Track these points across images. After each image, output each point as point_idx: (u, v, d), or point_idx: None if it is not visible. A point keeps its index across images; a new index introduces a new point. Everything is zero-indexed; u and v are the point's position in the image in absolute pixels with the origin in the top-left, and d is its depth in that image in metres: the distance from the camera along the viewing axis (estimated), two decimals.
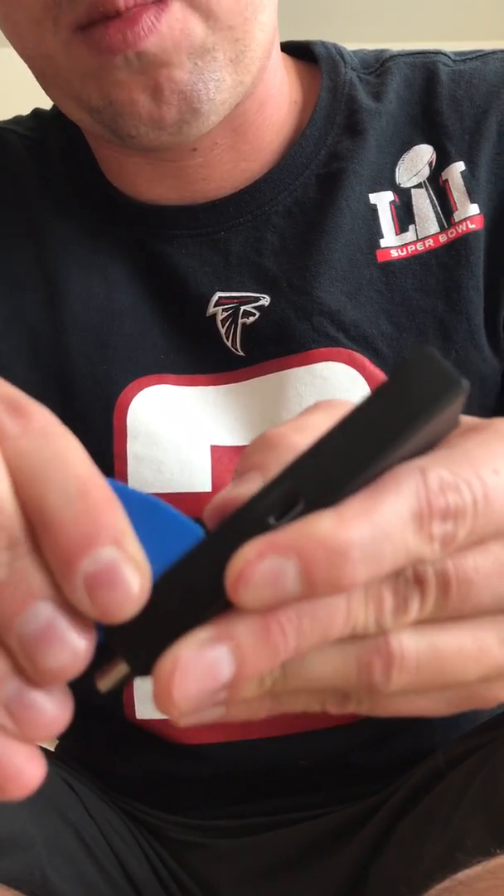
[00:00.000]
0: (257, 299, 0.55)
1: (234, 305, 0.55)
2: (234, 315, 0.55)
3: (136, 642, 0.21)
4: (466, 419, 0.26)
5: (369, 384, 0.54)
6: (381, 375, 0.54)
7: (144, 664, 0.21)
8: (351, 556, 0.20)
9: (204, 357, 0.56)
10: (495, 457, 0.23)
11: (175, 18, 0.45)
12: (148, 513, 0.23)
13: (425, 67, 0.58)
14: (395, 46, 0.63)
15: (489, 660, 0.24)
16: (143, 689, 0.57)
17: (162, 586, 0.21)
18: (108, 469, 0.55)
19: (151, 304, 0.57)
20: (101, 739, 0.61)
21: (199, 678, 0.20)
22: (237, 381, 0.56)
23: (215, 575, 0.21)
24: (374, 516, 0.21)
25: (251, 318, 0.55)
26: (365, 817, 0.57)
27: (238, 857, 0.58)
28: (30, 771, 0.21)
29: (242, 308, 0.55)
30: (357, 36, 2.14)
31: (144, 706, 0.57)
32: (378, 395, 0.22)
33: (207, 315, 0.56)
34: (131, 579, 0.20)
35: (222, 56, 0.47)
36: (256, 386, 0.55)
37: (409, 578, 0.22)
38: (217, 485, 0.54)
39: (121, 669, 0.22)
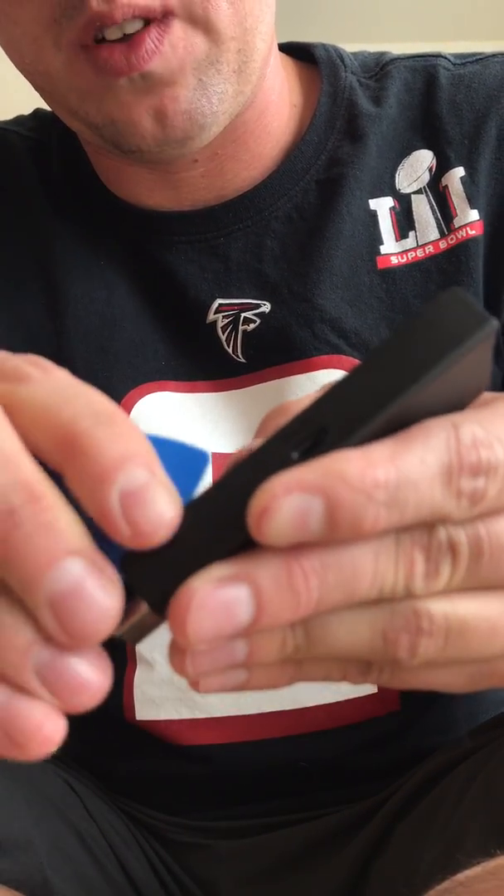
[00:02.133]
0: (258, 306, 0.55)
1: (235, 312, 0.55)
2: (234, 322, 0.55)
3: (154, 576, 0.21)
4: (494, 394, 0.25)
5: None
6: None
7: (162, 600, 0.21)
8: (375, 498, 0.20)
9: (205, 364, 0.56)
10: None
11: (177, 37, 0.45)
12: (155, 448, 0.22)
13: (425, 71, 0.58)
14: (395, 47, 0.63)
15: None
16: (143, 690, 0.57)
17: (182, 520, 0.21)
18: None
19: (152, 310, 0.57)
20: (102, 741, 0.61)
21: (215, 615, 0.20)
22: (238, 388, 0.56)
23: (238, 509, 0.20)
24: (401, 462, 0.20)
25: (252, 325, 0.55)
26: (365, 818, 0.57)
27: (238, 858, 0.58)
28: (49, 727, 0.20)
29: (243, 315, 0.55)
30: (357, 36, 2.14)
31: (144, 707, 0.57)
32: (406, 332, 0.21)
33: (208, 322, 0.56)
34: (163, 499, 0.20)
35: (226, 68, 0.48)
36: (257, 393, 0.55)
37: (441, 542, 0.22)
38: None
39: (139, 609, 0.22)
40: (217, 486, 0.21)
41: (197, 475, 0.22)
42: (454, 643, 0.22)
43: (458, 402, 0.23)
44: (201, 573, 0.20)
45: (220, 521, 0.21)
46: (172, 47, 0.45)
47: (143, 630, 0.22)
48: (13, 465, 0.20)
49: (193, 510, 0.21)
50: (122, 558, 0.21)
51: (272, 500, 0.20)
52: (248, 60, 0.49)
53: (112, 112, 0.47)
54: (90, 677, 0.20)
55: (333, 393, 0.21)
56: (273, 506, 0.20)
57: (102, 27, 0.44)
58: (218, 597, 0.20)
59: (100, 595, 0.20)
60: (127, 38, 0.45)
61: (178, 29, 0.45)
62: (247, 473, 0.21)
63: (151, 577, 0.21)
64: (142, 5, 0.44)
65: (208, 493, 0.21)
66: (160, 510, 0.20)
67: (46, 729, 0.20)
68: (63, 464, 0.21)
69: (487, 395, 0.25)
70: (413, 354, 0.21)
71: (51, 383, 0.22)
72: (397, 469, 0.20)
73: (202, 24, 0.46)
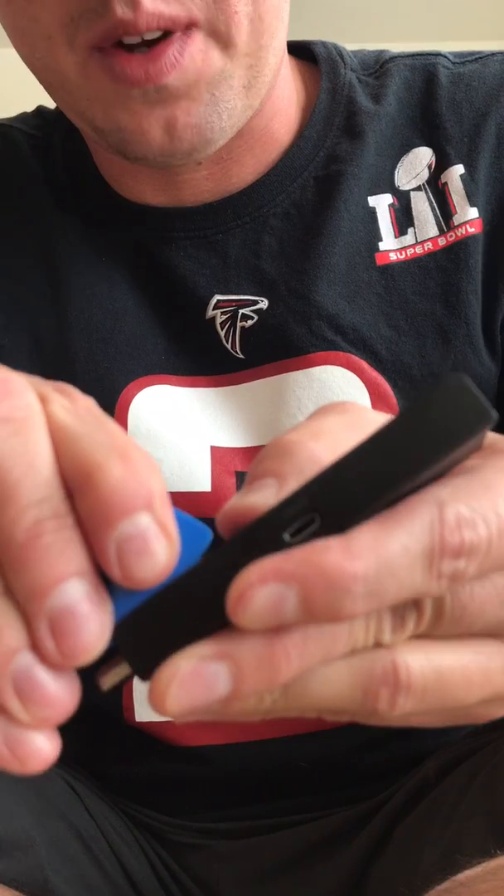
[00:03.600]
0: (255, 302, 0.55)
1: (233, 308, 0.55)
2: (232, 318, 0.55)
3: (142, 645, 0.22)
4: (488, 436, 0.25)
5: (367, 387, 0.54)
6: (379, 378, 0.54)
7: (146, 669, 0.21)
8: (352, 591, 0.20)
9: (204, 359, 0.56)
10: None
11: (198, 49, 0.45)
12: None
13: (425, 69, 0.58)
14: (396, 46, 0.63)
15: (491, 686, 0.24)
16: (142, 691, 0.57)
17: (172, 592, 0.21)
18: None
19: (152, 305, 0.57)
20: (101, 742, 0.61)
21: (194, 692, 0.21)
22: (237, 384, 0.56)
23: (224, 589, 0.21)
24: (382, 550, 0.20)
25: (250, 322, 0.55)
26: (365, 819, 0.57)
27: (238, 859, 0.58)
28: (48, 746, 0.21)
29: (241, 311, 0.55)
30: (357, 36, 2.14)
31: (144, 709, 0.57)
32: (406, 419, 0.21)
33: (207, 318, 0.56)
34: (160, 550, 0.20)
35: (237, 83, 0.47)
36: (256, 389, 0.55)
37: (408, 601, 0.22)
38: (216, 485, 0.54)
39: (123, 669, 0.22)
40: (209, 562, 0.22)
41: (196, 550, 0.22)
42: (432, 695, 0.23)
43: (447, 469, 0.23)
44: (185, 651, 0.21)
45: (208, 599, 0.21)
46: (192, 60, 0.45)
47: (120, 683, 0.23)
48: (48, 483, 0.21)
49: (185, 584, 0.22)
50: (116, 623, 0.22)
51: (248, 588, 0.20)
52: (258, 76, 0.49)
53: (120, 120, 0.47)
54: (62, 695, 0.21)
55: (330, 474, 0.21)
56: (248, 595, 0.20)
57: (124, 34, 0.44)
58: (198, 675, 0.21)
59: (96, 621, 0.20)
60: (145, 47, 0.44)
61: (199, 41, 0.45)
62: (238, 552, 0.21)
63: (139, 647, 0.22)
64: (167, 16, 0.43)
65: (201, 568, 0.22)
66: (152, 560, 0.20)
67: (44, 746, 0.21)
68: (76, 492, 0.21)
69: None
70: (413, 444, 0.21)
71: (77, 411, 0.22)
72: (378, 559, 0.20)
73: (223, 39, 0.46)
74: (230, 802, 0.59)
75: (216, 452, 0.55)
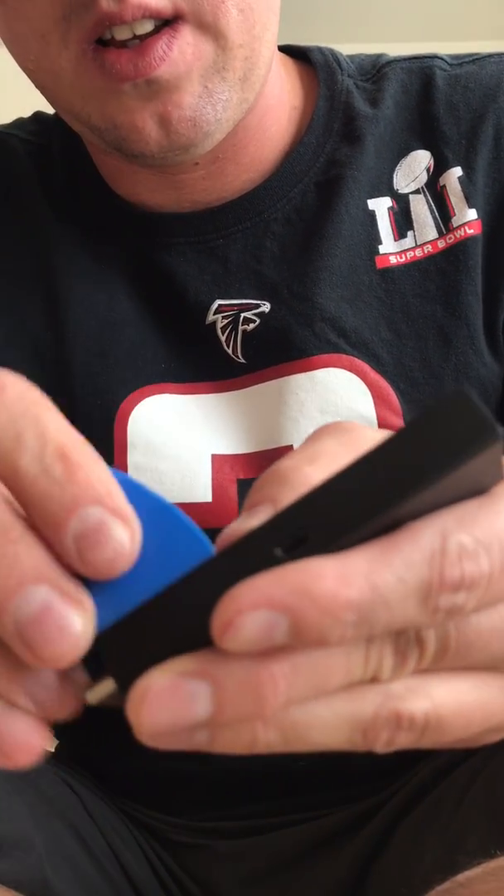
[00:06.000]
0: (257, 306, 0.55)
1: (234, 312, 0.55)
2: (234, 322, 0.55)
3: (125, 656, 0.21)
4: None
5: (370, 390, 0.54)
6: (381, 381, 0.54)
7: (129, 681, 0.20)
8: (343, 619, 0.19)
9: (205, 365, 0.56)
10: None
11: (187, 42, 0.45)
12: (158, 515, 0.22)
13: (422, 72, 0.58)
14: (394, 47, 0.63)
15: (492, 719, 0.23)
16: None
17: (159, 603, 0.21)
18: None
19: (152, 312, 0.57)
20: (101, 740, 0.61)
21: (169, 710, 0.19)
22: (238, 389, 0.56)
23: (211, 605, 0.20)
24: (377, 578, 0.19)
25: (252, 325, 0.55)
26: (365, 818, 0.57)
27: (238, 858, 0.58)
28: (35, 738, 0.21)
29: (242, 315, 0.55)
30: (355, 36, 2.14)
31: None
32: (404, 435, 0.20)
33: (207, 323, 0.56)
34: (120, 536, 0.20)
35: (232, 75, 0.48)
36: (257, 393, 0.55)
37: (409, 637, 0.21)
38: (217, 495, 0.54)
39: (108, 684, 0.22)
40: (198, 574, 0.21)
41: (192, 560, 0.21)
42: (431, 734, 0.22)
43: (460, 494, 0.21)
44: (164, 665, 0.20)
45: (194, 615, 0.20)
46: (181, 53, 0.45)
47: (108, 699, 0.22)
48: None
49: (173, 596, 0.21)
50: (100, 633, 0.21)
51: (237, 614, 0.19)
52: (253, 68, 0.49)
53: (115, 116, 0.47)
54: (26, 740, 0.21)
55: (324, 491, 0.20)
56: (237, 621, 0.19)
57: (112, 26, 0.44)
58: (175, 691, 0.20)
59: (67, 620, 0.20)
60: (134, 42, 0.45)
61: (187, 34, 0.45)
62: (229, 567, 0.20)
63: (123, 657, 0.21)
64: (153, 7, 0.44)
65: (190, 579, 0.21)
66: (115, 547, 0.20)
67: (33, 740, 0.21)
68: (22, 506, 0.21)
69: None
70: (410, 461, 0.20)
71: (2, 413, 0.21)
72: (372, 588, 0.19)
73: (212, 30, 0.46)
74: (230, 801, 0.59)
75: (217, 461, 0.55)
